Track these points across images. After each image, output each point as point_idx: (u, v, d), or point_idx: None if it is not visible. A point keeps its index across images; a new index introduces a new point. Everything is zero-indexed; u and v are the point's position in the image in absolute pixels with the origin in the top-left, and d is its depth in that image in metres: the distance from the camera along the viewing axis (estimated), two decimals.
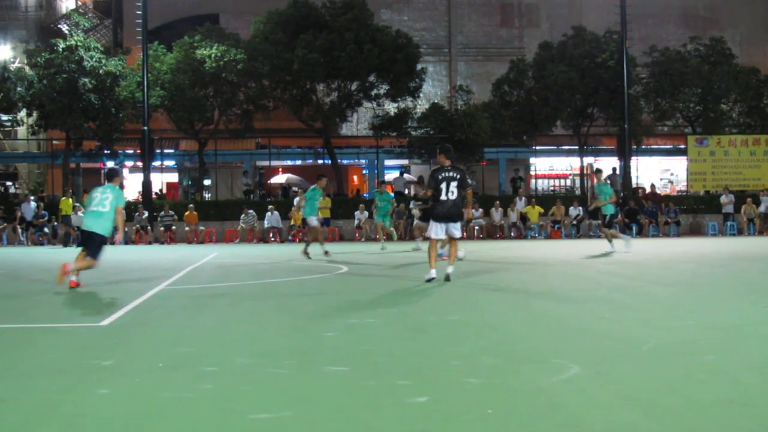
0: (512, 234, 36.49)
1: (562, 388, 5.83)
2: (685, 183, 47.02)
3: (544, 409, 5.25)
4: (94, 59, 39.63)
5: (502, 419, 5.05)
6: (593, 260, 19.69)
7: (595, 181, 23.86)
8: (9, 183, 51.86)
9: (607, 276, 15.40)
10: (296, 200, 36.14)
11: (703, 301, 11.51)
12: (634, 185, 42.38)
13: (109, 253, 21.07)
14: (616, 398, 5.49)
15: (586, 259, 19.86)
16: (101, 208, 14.23)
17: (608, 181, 24.72)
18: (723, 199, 38.21)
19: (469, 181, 14.57)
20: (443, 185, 14.25)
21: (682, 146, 46.03)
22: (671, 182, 53.76)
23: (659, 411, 5.19)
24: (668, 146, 51.11)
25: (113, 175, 15.42)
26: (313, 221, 22.51)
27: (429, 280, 13.89)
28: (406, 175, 47.01)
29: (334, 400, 5.60)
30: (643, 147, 47.68)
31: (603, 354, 7.17)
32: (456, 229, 14.59)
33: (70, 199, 34.36)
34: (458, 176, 14.34)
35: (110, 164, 46.00)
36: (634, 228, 36.30)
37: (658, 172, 53.95)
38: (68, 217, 34.03)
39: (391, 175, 48.37)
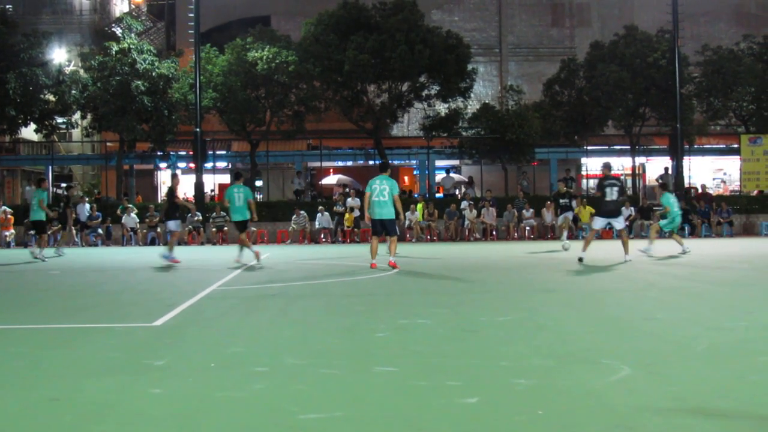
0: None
1: (613, 389, 5.82)
2: (738, 183, 46.55)
3: (595, 410, 5.24)
4: (147, 62, 40.05)
5: (552, 421, 5.04)
6: (645, 260, 19.55)
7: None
8: (64, 185, 52.49)
9: (660, 276, 15.28)
10: (348, 201, 36.42)
11: (757, 301, 11.39)
12: (686, 185, 42.01)
13: (63, 257, 21.30)
14: (668, 400, 5.46)
15: (637, 260, 19.71)
16: (382, 198, 17.96)
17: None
18: None
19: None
20: (608, 189, 18.98)
21: (735, 146, 45.62)
22: (724, 182, 53.22)
23: (712, 413, 5.16)
24: (721, 146, 50.60)
25: (386, 167, 18.87)
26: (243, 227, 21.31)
27: (580, 259, 18.74)
28: (454, 175, 46.94)
29: (384, 400, 5.63)
30: (696, 147, 47.24)
31: (655, 355, 7.12)
32: (618, 222, 19.46)
33: None
34: (619, 184, 19.19)
35: (163, 165, 46.44)
36: (686, 228, 35.98)
37: (711, 171, 53.46)
38: None
39: (440, 176, 48.35)
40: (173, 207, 22.25)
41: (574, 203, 35.82)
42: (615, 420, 4.99)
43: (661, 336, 8.13)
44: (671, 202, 22.75)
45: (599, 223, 19.57)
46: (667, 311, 10.12)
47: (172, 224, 22.13)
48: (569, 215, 27.62)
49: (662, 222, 23.03)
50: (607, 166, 19.87)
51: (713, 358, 7.00)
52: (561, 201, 27.34)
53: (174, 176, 24.72)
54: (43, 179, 26.71)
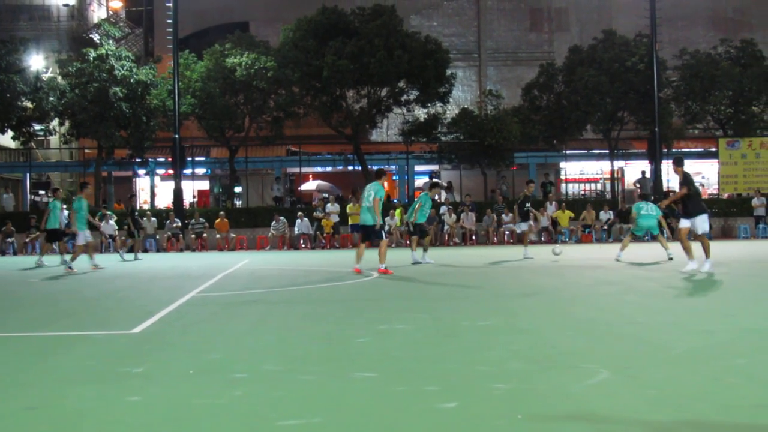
0: (543, 239, 36.35)
1: (592, 392, 5.82)
2: (717, 186, 46.76)
3: (574, 414, 5.24)
4: (125, 68, 39.89)
5: (531, 424, 5.05)
6: (624, 264, 19.60)
7: None
8: (42, 192, 52.24)
9: (639, 280, 15.32)
10: (328, 206, 36.42)
11: (734, 304, 11.44)
12: (665, 189, 42.16)
13: (141, 261, 21.25)
14: (647, 403, 5.47)
15: (617, 263, 19.77)
16: (366, 204, 18.37)
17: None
18: (755, 201, 37.96)
19: None
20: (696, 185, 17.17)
21: (713, 149, 45.82)
22: (702, 185, 53.38)
23: (691, 415, 5.17)
24: (699, 149, 50.79)
25: (381, 175, 19.40)
26: (82, 237, 22.50)
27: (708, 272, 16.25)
28: (435, 181, 46.98)
29: (363, 406, 5.62)
30: (674, 150, 47.42)
31: (634, 358, 7.14)
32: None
33: None
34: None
35: (141, 171, 46.36)
36: (665, 232, 36.09)
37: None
38: None
39: (420, 181, 48.42)
40: None
41: (551, 208, 35.93)
42: (593, 423, 4.99)
43: (640, 339, 8.15)
44: (640, 206, 22.28)
45: (706, 222, 17.16)
46: (646, 315, 10.14)
47: None
48: (533, 224, 25.70)
49: (634, 228, 22.55)
50: (681, 161, 17.78)
51: (692, 361, 7.01)
52: (526, 206, 24.64)
53: None
54: (57, 189, 26.96)
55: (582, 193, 53.73)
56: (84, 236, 22.42)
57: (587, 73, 42.02)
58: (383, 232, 18.43)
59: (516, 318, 10.10)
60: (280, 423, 5.19)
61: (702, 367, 6.71)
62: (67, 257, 24.44)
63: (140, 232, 31.24)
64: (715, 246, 16.24)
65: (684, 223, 17.19)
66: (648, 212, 21.72)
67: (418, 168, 50.23)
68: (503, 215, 37.01)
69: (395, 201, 43.11)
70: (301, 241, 36.22)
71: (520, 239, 33.84)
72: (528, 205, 24.57)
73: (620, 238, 35.66)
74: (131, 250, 30.13)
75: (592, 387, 6.00)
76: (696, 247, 16.89)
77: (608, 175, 49.39)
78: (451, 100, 44.50)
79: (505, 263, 21.46)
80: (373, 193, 18.30)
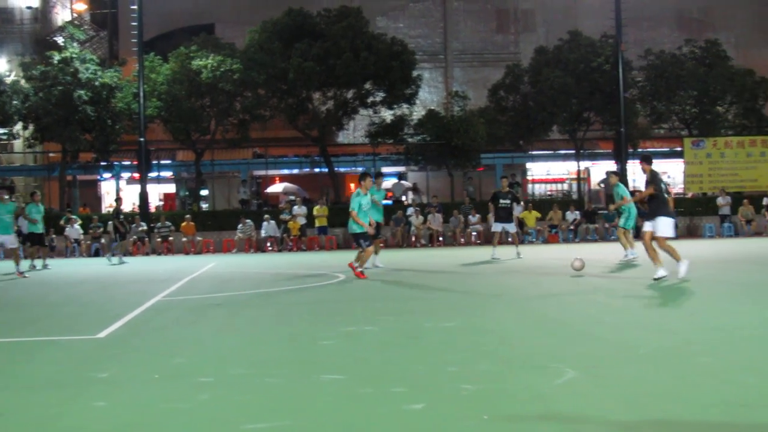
0: (509, 239, 36.35)
1: (559, 392, 5.83)
2: (682, 185, 47.04)
3: (541, 414, 5.24)
4: (89, 71, 39.59)
5: (499, 425, 5.05)
6: (590, 264, 19.63)
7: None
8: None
9: (604, 280, 15.37)
10: (295, 209, 36.30)
11: (699, 303, 11.51)
12: (630, 189, 42.34)
13: (106, 265, 21.10)
14: (613, 402, 5.49)
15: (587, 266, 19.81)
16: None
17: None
18: (719, 200, 38.18)
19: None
20: (663, 185, 15.64)
21: (679, 149, 46.04)
22: (668, 185, 53.66)
23: (658, 414, 5.18)
24: (665, 149, 51.01)
25: (361, 179, 18.25)
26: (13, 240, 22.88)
27: (658, 279, 14.18)
28: (403, 182, 46.98)
29: (330, 408, 5.60)
30: (640, 150, 47.63)
31: (600, 358, 7.16)
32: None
33: None
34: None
35: (107, 175, 46.18)
36: (631, 231, 36.23)
37: None
38: None
39: (388, 182, 48.38)
40: None
41: (518, 208, 35.84)
42: (560, 423, 5.00)
43: (606, 339, 8.18)
44: (628, 192, 21.72)
45: (670, 227, 15.01)
46: (612, 315, 10.19)
47: None
48: (509, 227, 24.35)
49: (621, 222, 21.89)
50: (650, 159, 16.55)
51: (657, 360, 7.04)
52: (501, 202, 23.59)
53: None
54: (34, 192, 26.74)
55: (548, 193, 53.85)
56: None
57: (553, 73, 42.16)
58: (362, 240, 17.91)
59: (482, 319, 10.12)
60: (247, 426, 5.16)
61: (667, 366, 6.74)
62: (38, 262, 24.53)
63: (125, 234, 30.83)
64: (680, 245, 16.16)
65: (647, 227, 15.29)
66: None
67: (385, 170, 50.10)
68: (470, 216, 37.01)
69: None
70: (268, 244, 36.05)
71: (488, 239, 33.98)
72: (506, 201, 23.62)
73: (587, 238, 35.84)
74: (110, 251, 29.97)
75: (559, 387, 6.01)
76: (662, 253, 16.02)
77: (574, 176, 49.56)
78: (417, 101, 44.53)
79: (472, 265, 21.47)
80: (352, 203, 17.93)
